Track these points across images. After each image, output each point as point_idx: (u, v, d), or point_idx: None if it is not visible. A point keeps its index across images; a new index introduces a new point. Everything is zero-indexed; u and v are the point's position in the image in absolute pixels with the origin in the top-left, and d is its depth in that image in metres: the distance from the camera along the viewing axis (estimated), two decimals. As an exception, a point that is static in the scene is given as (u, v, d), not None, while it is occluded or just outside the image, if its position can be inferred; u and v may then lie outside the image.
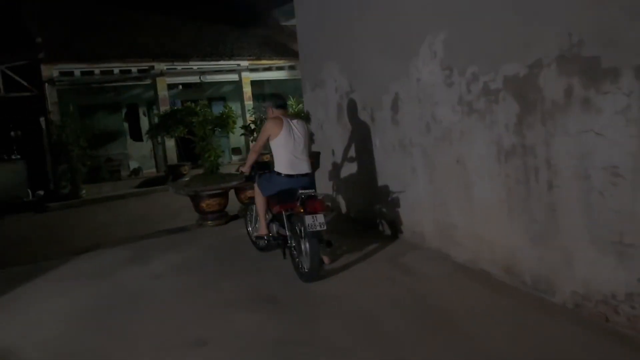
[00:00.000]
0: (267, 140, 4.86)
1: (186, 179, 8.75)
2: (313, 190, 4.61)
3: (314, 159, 5.65)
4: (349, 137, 6.66)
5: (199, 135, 8.30)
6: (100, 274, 5.55)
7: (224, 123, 8.31)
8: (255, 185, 5.14)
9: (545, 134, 3.64)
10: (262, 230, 5.22)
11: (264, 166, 5.45)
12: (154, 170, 16.64)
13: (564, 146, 3.49)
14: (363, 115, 6.33)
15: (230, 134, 11.34)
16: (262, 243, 5.33)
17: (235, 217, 7.81)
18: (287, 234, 4.72)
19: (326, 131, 7.52)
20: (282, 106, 5.08)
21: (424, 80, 5.03)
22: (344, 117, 6.85)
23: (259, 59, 16.04)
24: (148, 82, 15.16)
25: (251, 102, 15.69)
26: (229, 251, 5.98)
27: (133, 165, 16.27)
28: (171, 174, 14.77)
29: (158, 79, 14.76)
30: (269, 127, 4.83)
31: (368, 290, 4.38)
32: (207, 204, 7.50)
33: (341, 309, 4.06)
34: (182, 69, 15.15)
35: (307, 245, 4.44)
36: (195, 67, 15.34)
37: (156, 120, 9.78)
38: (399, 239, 5.71)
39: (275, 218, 5.11)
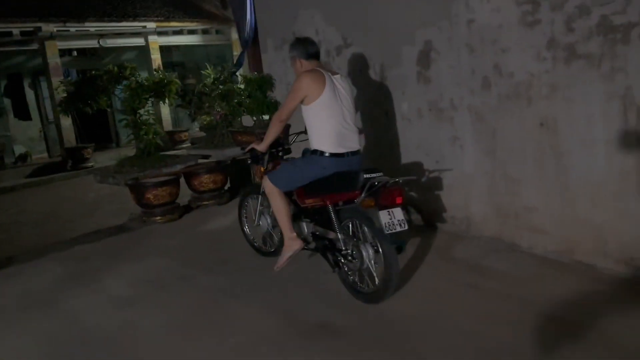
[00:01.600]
0: (300, 104, 3.41)
1: (114, 164, 6.93)
2: (382, 174, 3.25)
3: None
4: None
5: (130, 107, 6.53)
6: (35, 304, 3.80)
7: (163, 90, 6.57)
8: (268, 179, 3.57)
9: None
10: (294, 243, 3.61)
11: (274, 145, 4.02)
12: (45, 155, 13.98)
13: None
14: (369, 75, 5.05)
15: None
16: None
17: (188, 209, 6.20)
18: (338, 236, 3.36)
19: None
20: (316, 55, 3.57)
21: (482, 22, 3.86)
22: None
23: (168, 20, 13.88)
24: (34, 47, 12.42)
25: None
26: (214, 256, 4.44)
27: (19, 150, 13.48)
28: (70, 159, 12.38)
29: (47, 43, 12.09)
30: (305, 83, 3.32)
31: (450, 304, 3.20)
32: (155, 194, 5.79)
33: (437, 335, 2.85)
34: (77, 31, 12.57)
35: (381, 252, 3.09)
36: (92, 29, 12.83)
37: (60, 92, 7.66)
38: (438, 229, 4.57)
39: (307, 214, 3.70)
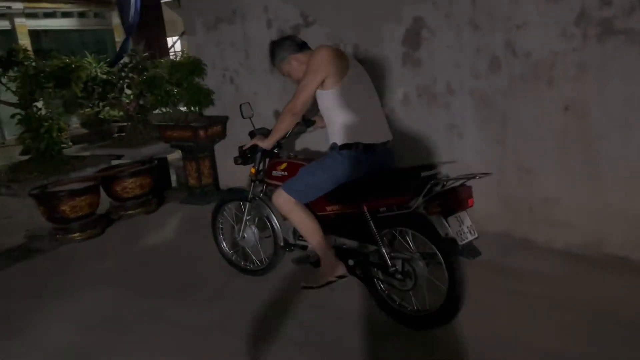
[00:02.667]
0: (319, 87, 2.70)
1: (3, 168, 5.53)
2: (437, 170, 2.65)
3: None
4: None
5: (23, 99, 5.23)
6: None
7: (69, 77, 5.34)
8: (283, 191, 2.80)
9: None
10: (336, 266, 2.82)
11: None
12: None
13: None
14: (335, 57, 4.45)
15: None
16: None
17: (109, 221, 5.11)
18: (382, 251, 2.66)
19: (243, 86, 5.35)
20: (306, 44, 2.96)
21: (491, -7, 3.46)
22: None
23: (38, 0, 11.94)
24: None
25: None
26: (176, 281, 3.53)
27: None
28: None
29: None
30: (326, 59, 2.62)
31: (508, 318, 2.74)
32: (72, 206, 4.64)
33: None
34: None
35: (446, 266, 2.49)
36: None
37: None
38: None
39: (326, 224, 2.95)
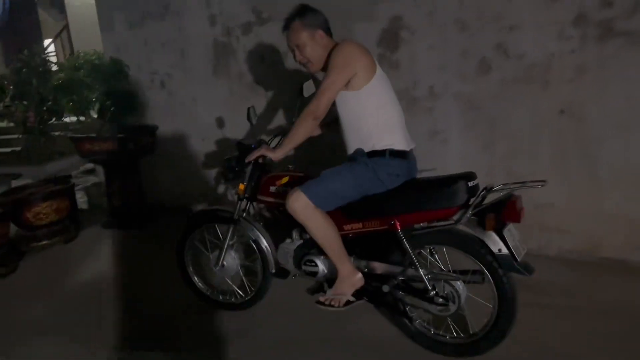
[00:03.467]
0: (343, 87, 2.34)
1: None
2: (477, 180, 2.31)
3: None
4: (268, 102, 4.24)
5: None
6: None
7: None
8: (302, 193, 2.34)
9: None
10: (354, 278, 2.45)
11: (244, 152, 2.77)
12: None
13: None
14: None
15: None
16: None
17: (19, 254, 4.17)
18: (420, 273, 2.31)
19: (177, 92, 4.73)
20: (330, 31, 2.53)
21: (481, -8, 3.30)
22: (234, 66, 4.33)
23: None
24: None
25: None
26: (141, 327, 2.87)
27: None
28: None
29: None
30: (356, 55, 2.28)
31: (540, 333, 2.55)
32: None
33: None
34: None
35: (497, 286, 2.20)
36: None
37: None
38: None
39: (347, 244, 2.51)
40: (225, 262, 2.89)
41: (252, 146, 2.72)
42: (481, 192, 2.17)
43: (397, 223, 2.32)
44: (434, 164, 3.61)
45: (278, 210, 2.74)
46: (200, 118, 4.64)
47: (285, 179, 2.65)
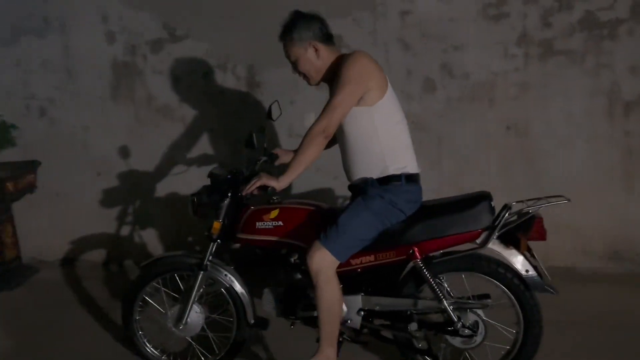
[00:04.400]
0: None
1: None
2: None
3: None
4: (187, 129, 3.74)
5: None
6: None
7: None
8: (325, 249, 2.02)
9: None
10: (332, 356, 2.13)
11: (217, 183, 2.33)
12: None
13: None
14: (219, 81, 3.65)
15: None
16: None
17: None
18: (445, 305, 2.09)
19: (63, 119, 3.98)
20: (332, 39, 2.23)
21: (424, 14, 3.26)
22: (140, 89, 3.78)
23: None
24: None
25: None
26: None
27: None
28: None
29: None
30: (370, 68, 2.03)
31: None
32: None
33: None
34: None
35: (522, 311, 2.09)
36: None
37: None
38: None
39: (353, 280, 2.18)
40: (189, 321, 2.39)
41: (228, 177, 2.28)
42: (505, 212, 2.05)
43: (417, 252, 2.10)
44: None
45: (261, 248, 2.35)
46: (95, 149, 3.94)
47: (274, 213, 2.26)
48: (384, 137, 2.10)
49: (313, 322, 2.27)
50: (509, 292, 2.10)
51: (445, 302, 2.12)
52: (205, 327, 2.46)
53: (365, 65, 2.04)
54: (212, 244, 2.35)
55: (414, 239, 2.10)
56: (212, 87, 3.68)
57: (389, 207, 2.08)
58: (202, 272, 2.35)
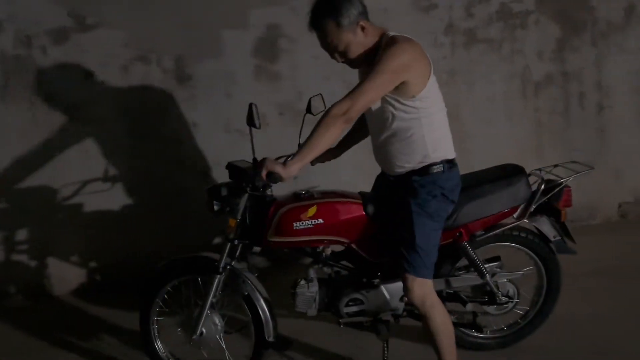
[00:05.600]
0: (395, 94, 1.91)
1: None
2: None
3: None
4: (102, 131, 3.24)
5: None
6: None
7: None
8: (422, 277, 1.99)
9: (596, 56, 3.58)
10: None
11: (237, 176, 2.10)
12: None
13: (620, 65, 3.61)
14: (142, 73, 3.27)
15: None
16: None
17: None
18: (488, 279, 2.19)
19: None
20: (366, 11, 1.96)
21: (362, 2, 3.34)
22: (37, 87, 3.21)
23: None
24: None
25: None
26: None
27: None
28: None
29: None
30: (413, 55, 1.88)
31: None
32: None
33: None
34: None
35: (547, 272, 2.32)
36: None
37: None
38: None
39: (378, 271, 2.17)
40: (204, 329, 2.15)
41: (247, 169, 2.07)
42: (540, 186, 2.20)
43: (464, 233, 2.16)
44: (328, 175, 3.49)
45: (294, 249, 2.20)
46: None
47: (312, 210, 2.08)
48: (427, 126, 1.99)
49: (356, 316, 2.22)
50: (536, 258, 2.27)
51: (487, 277, 2.22)
52: (222, 340, 2.22)
53: (410, 58, 1.88)
54: (228, 244, 2.12)
55: (461, 222, 2.14)
56: (133, 82, 3.27)
57: (442, 203, 2.03)
58: (217, 275, 2.12)
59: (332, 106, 1.86)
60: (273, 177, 1.84)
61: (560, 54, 3.56)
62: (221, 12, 3.23)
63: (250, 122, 2.08)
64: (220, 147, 3.42)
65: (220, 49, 3.28)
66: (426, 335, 2.07)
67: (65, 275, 3.45)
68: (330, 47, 1.95)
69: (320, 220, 2.07)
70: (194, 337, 2.16)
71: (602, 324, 2.60)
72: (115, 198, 3.40)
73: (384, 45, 1.92)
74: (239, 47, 3.29)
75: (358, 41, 1.92)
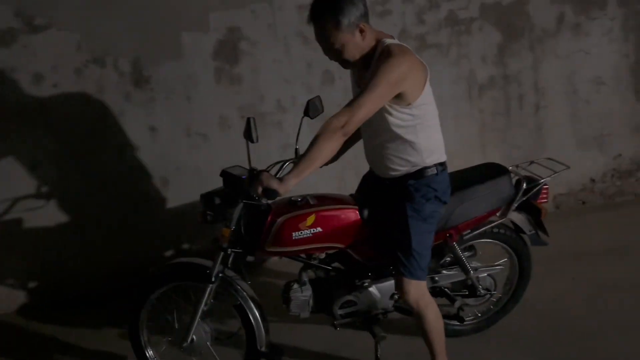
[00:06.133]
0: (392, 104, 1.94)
1: None
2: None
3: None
4: (53, 138, 3.08)
5: None
6: None
7: None
8: (417, 278, 2.08)
9: (533, 60, 3.88)
10: None
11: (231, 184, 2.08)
12: None
13: (553, 68, 3.92)
14: (102, 77, 3.14)
15: None
16: None
17: None
18: (471, 276, 2.37)
19: None
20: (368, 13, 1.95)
21: (320, 6, 3.40)
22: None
23: None
24: None
25: None
26: None
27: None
28: None
29: None
30: (413, 69, 1.90)
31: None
32: None
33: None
34: None
35: (516, 262, 2.52)
36: None
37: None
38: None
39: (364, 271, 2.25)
40: (195, 337, 2.14)
41: (243, 177, 2.06)
42: (521, 186, 2.35)
43: (454, 234, 2.27)
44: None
45: (292, 257, 2.23)
46: None
47: (311, 219, 2.10)
48: (422, 131, 2.05)
49: (349, 317, 2.27)
50: (511, 251, 2.45)
51: (471, 273, 2.36)
52: (211, 347, 2.21)
53: (406, 69, 1.88)
54: (221, 253, 2.11)
55: (452, 223, 2.25)
56: (88, 86, 3.14)
57: (435, 205, 2.10)
58: (210, 284, 2.10)
59: (330, 119, 1.85)
60: (270, 193, 1.82)
61: (502, 58, 3.82)
62: (180, 13, 3.18)
63: (248, 136, 2.05)
64: (181, 151, 3.38)
65: (180, 51, 3.23)
66: (419, 331, 2.17)
67: (9, 294, 3.27)
68: (326, 44, 1.95)
69: (319, 229, 2.11)
70: (185, 344, 2.14)
71: (553, 304, 2.85)
72: (68, 210, 3.26)
73: (379, 55, 1.92)
74: (199, 49, 3.25)
75: (355, 43, 1.92)
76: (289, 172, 1.88)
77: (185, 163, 3.39)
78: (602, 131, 4.11)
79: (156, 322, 2.32)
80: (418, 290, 2.07)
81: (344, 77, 3.53)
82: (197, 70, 3.28)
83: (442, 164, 2.15)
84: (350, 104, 1.87)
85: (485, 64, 3.79)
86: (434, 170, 2.09)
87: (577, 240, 3.59)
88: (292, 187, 1.86)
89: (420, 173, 2.08)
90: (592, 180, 4.22)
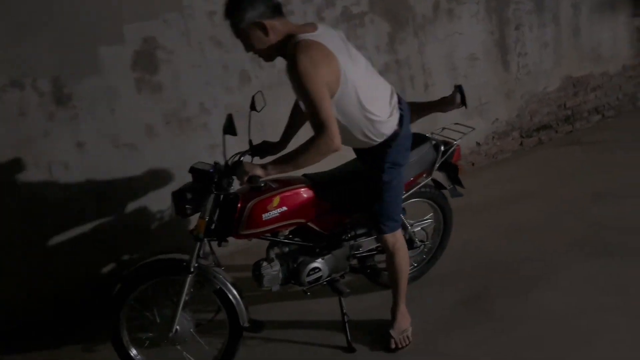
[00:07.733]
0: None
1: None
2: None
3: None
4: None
5: None
6: None
7: None
8: (397, 229, 2.51)
9: (419, 45, 4.40)
10: (407, 315, 2.65)
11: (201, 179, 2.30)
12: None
13: (435, 50, 4.48)
14: (22, 99, 3.11)
15: None
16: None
17: None
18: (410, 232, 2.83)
19: None
20: (280, 9, 2.15)
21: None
22: None
23: None
24: None
25: None
26: None
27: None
28: None
29: None
30: (320, 67, 2.00)
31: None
32: None
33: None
34: None
35: (440, 214, 3.03)
36: None
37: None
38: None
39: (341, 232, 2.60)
40: (179, 327, 2.32)
41: (210, 171, 2.28)
42: (443, 147, 2.75)
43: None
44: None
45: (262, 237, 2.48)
46: None
47: (276, 200, 2.37)
48: (358, 114, 2.18)
49: (315, 282, 2.58)
50: (435, 206, 2.90)
51: (409, 228, 2.76)
52: (194, 334, 2.40)
53: (317, 73, 1.98)
54: (198, 244, 2.31)
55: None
56: (7, 110, 3.08)
57: (397, 170, 2.37)
58: (189, 275, 2.30)
59: (319, 144, 1.99)
60: (254, 180, 2.07)
61: (392, 45, 4.30)
62: (95, 28, 3.22)
63: (230, 131, 2.27)
64: (111, 163, 3.42)
65: (99, 66, 3.28)
66: (389, 270, 2.57)
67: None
68: (240, 40, 2.16)
69: (285, 208, 2.40)
70: (170, 335, 2.30)
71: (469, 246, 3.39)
72: None
73: (290, 53, 2.04)
74: (118, 62, 3.32)
75: (259, 39, 2.08)
76: (272, 163, 2.13)
77: (116, 175, 3.44)
78: (480, 100, 4.79)
79: (134, 322, 2.44)
80: (395, 236, 2.48)
81: (260, 76, 3.79)
82: (118, 82, 3.34)
83: (395, 132, 2.31)
84: (314, 124, 2.01)
85: (379, 52, 4.25)
86: (395, 138, 2.31)
87: (476, 195, 4.21)
88: (272, 175, 2.13)
89: (378, 148, 2.32)
90: (478, 144, 4.90)
